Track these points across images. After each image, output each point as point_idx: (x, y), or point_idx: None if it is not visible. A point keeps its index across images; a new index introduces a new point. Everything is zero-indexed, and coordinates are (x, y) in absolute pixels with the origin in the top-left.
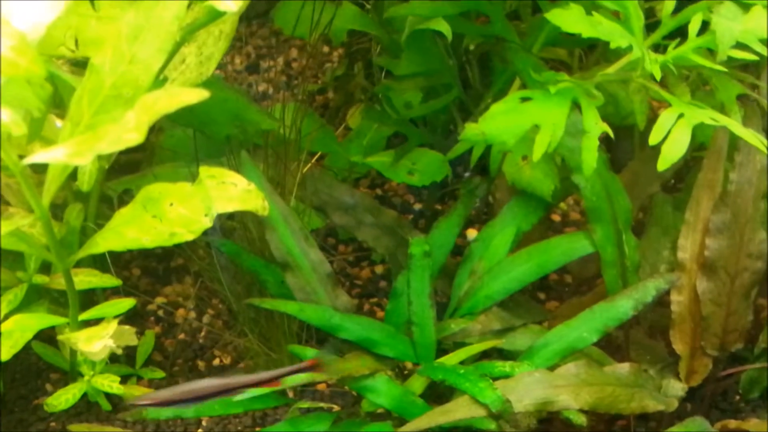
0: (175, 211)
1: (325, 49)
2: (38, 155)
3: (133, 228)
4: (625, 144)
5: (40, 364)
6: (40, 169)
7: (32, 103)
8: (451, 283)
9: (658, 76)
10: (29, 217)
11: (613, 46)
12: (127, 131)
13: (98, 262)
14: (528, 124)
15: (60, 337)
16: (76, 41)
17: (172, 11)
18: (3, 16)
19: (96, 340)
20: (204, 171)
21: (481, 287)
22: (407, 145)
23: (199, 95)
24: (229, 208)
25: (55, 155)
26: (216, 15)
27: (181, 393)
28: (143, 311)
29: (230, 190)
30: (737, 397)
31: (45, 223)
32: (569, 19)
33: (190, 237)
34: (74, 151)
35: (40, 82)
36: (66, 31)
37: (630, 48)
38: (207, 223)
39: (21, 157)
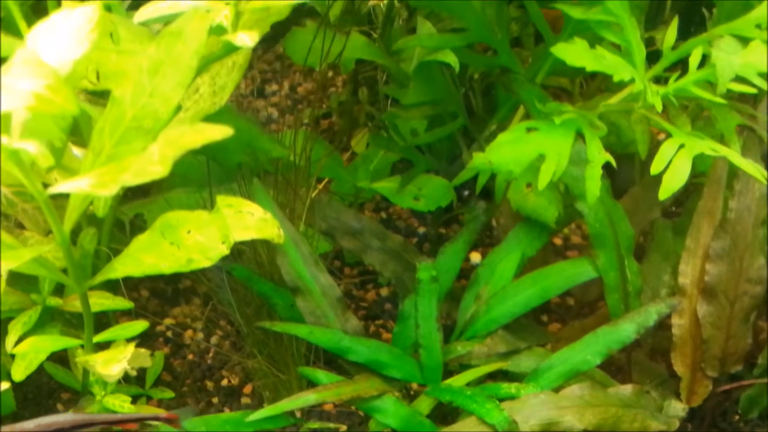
0: (192, 239)
1: (329, 74)
2: (63, 185)
3: (151, 254)
4: (627, 170)
5: (52, 384)
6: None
7: (54, 133)
8: (456, 306)
9: (659, 108)
10: (51, 243)
11: (616, 79)
12: (152, 164)
13: (108, 283)
14: (534, 153)
15: (77, 359)
16: (98, 74)
17: (192, 47)
18: (38, 56)
19: (114, 363)
20: (221, 200)
21: (487, 311)
22: (413, 171)
23: (223, 132)
24: (246, 236)
25: (79, 185)
26: (231, 49)
27: (45, 425)
28: (152, 332)
29: (247, 219)
30: (737, 417)
31: (66, 249)
32: (574, 53)
33: (207, 263)
34: (98, 181)
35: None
36: (88, 64)
37: (632, 80)
38: (224, 250)
39: (45, 185)
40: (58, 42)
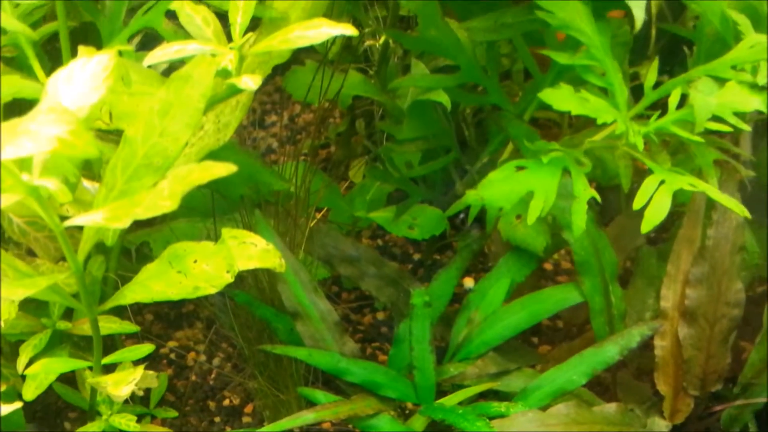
0: (199, 268)
1: (327, 105)
2: (80, 218)
3: (160, 282)
4: (613, 197)
5: (59, 403)
6: None
7: (68, 169)
8: (449, 329)
9: (640, 146)
10: (64, 270)
11: (599, 122)
12: (162, 199)
13: (115, 308)
14: (523, 190)
15: (89, 380)
16: (110, 114)
17: (199, 90)
18: (61, 103)
19: (124, 384)
20: (226, 232)
21: (478, 334)
22: (408, 201)
23: (228, 169)
24: (250, 265)
25: (94, 219)
26: (236, 90)
27: None
28: (156, 354)
29: (250, 250)
30: None
31: (79, 276)
32: (560, 98)
33: (212, 291)
34: (112, 215)
35: None
36: (101, 105)
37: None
38: (229, 279)
39: (62, 218)
40: (77, 88)
